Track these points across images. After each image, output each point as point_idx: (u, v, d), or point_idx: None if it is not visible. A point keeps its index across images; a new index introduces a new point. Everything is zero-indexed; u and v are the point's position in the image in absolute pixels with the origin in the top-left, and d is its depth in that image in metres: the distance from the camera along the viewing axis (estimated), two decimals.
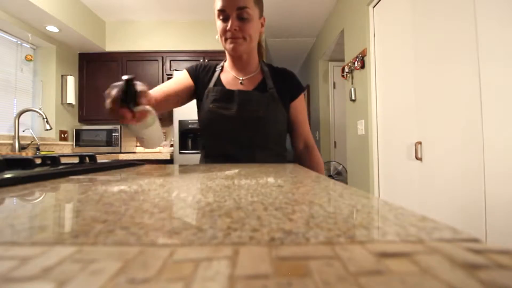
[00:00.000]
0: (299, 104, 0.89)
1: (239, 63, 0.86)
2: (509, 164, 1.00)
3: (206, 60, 2.76)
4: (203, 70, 0.90)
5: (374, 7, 1.98)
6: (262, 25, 0.82)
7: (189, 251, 0.13)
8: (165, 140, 3.11)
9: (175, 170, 0.57)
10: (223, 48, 0.82)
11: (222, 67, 0.91)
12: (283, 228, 0.16)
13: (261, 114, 0.80)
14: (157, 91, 0.79)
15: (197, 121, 1.01)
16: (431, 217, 0.17)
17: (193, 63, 0.94)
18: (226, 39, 0.77)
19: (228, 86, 0.85)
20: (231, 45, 0.76)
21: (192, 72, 0.89)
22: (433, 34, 1.38)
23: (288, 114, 0.88)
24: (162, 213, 0.20)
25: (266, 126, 0.82)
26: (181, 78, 0.87)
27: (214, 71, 0.90)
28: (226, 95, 0.82)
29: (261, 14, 0.80)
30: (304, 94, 0.93)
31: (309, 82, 4.10)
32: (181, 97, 0.86)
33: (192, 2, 2.65)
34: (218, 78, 0.87)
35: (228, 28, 0.73)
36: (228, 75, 0.88)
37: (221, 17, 0.75)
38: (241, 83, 0.85)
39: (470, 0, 1.15)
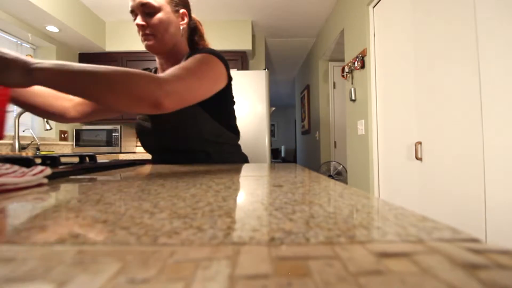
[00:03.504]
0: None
1: (163, 62, 0.81)
2: (509, 164, 1.00)
3: None
4: None
5: (374, 7, 1.98)
6: (183, 19, 0.77)
7: (189, 251, 0.13)
8: None
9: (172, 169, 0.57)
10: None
11: (156, 68, 0.88)
12: (283, 228, 0.16)
13: (174, 122, 0.74)
14: (85, 102, 0.81)
15: None
16: (431, 217, 0.17)
17: None
18: (141, 39, 0.74)
19: None
20: (144, 43, 0.74)
21: None
22: (433, 34, 1.38)
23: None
24: (163, 212, 0.20)
25: (187, 131, 0.76)
26: None
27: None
28: None
29: (177, 7, 0.75)
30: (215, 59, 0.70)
31: (309, 82, 4.10)
32: (109, 113, 0.87)
33: (191, 2, 2.65)
34: None
35: (137, 26, 0.72)
36: None
37: (133, 19, 0.73)
38: None
39: (470, 0, 1.15)
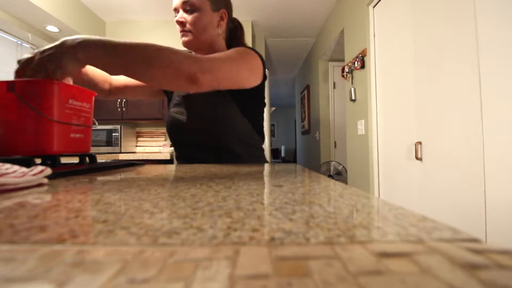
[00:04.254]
0: None
1: None
2: (509, 164, 1.00)
3: None
4: None
5: (374, 7, 1.98)
6: (222, 18, 0.79)
7: (189, 251, 0.13)
8: (165, 141, 3.11)
9: (175, 170, 0.57)
10: None
11: None
12: (283, 228, 0.16)
13: (211, 116, 0.77)
14: (119, 79, 0.86)
15: None
16: (431, 217, 0.17)
17: None
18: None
19: None
20: (182, 39, 0.77)
21: None
22: (433, 34, 1.38)
23: (243, 104, 0.80)
24: (163, 212, 0.20)
25: (221, 127, 0.77)
26: None
27: None
28: (181, 100, 0.81)
29: (217, 7, 0.77)
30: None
31: (309, 82, 4.10)
32: (141, 93, 0.90)
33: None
34: None
35: (176, 22, 0.76)
36: None
37: (175, 16, 0.77)
38: None
39: (470, 0, 1.15)
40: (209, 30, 0.77)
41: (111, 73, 0.56)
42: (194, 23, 0.74)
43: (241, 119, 0.80)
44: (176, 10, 0.76)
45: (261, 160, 0.88)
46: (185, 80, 0.54)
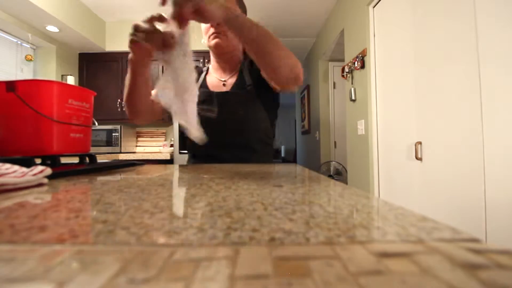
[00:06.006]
0: None
1: (222, 63, 0.86)
2: (509, 164, 1.00)
3: (206, 60, 2.76)
4: None
5: (374, 7, 1.98)
6: None
7: (189, 251, 0.13)
8: (165, 141, 3.11)
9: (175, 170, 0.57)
10: None
11: (208, 69, 0.92)
12: (283, 228, 0.16)
13: (241, 115, 0.79)
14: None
15: None
16: (431, 217, 0.17)
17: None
18: (209, 37, 0.79)
19: (212, 88, 0.86)
20: (214, 41, 0.78)
21: None
22: (433, 34, 1.38)
23: (269, 107, 0.84)
24: (163, 212, 0.20)
25: (248, 126, 0.80)
26: None
27: (201, 73, 0.92)
28: (208, 97, 0.83)
29: (244, 12, 0.79)
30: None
31: (309, 82, 4.10)
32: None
33: None
34: (204, 80, 0.88)
35: (210, 24, 0.76)
36: (212, 77, 0.89)
37: None
38: (223, 84, 0.86)
39: (470, 0, 1.15)
40: None
41: (247, 46, 0.60)
42: None
43: (264, 118, 0.82)
44: None
45: (272, 160, 0.89)
46: (294, 77, 0.61)
